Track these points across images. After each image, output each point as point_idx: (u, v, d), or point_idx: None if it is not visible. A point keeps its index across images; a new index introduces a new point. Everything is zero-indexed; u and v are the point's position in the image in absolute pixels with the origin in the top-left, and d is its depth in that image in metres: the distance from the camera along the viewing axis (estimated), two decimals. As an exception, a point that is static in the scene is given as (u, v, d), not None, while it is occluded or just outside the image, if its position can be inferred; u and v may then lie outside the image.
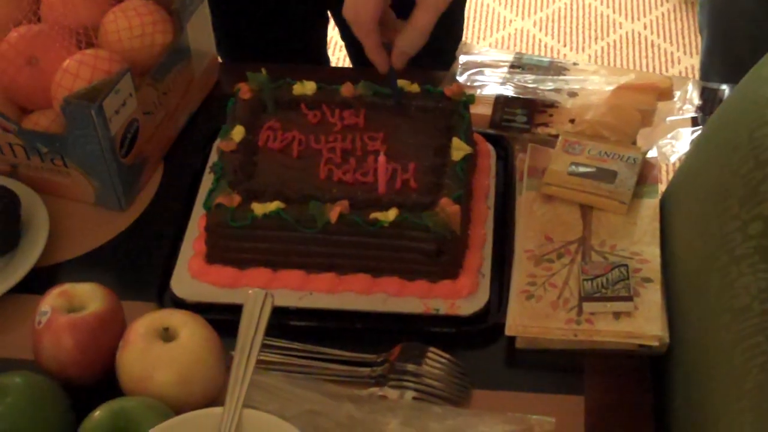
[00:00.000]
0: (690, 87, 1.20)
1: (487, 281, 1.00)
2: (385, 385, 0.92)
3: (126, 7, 1.13)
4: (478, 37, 2.80)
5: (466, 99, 1.07)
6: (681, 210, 1.01)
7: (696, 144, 1.05)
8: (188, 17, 1.15)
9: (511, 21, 2.86)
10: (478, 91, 1.19)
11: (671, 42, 2.78)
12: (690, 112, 1.18)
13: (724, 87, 1.21)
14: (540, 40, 2.80)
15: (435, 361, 0.93)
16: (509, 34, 2.82)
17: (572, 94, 1.18)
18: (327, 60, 1.65)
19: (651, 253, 1.00)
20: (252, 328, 0.83)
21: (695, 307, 0.92)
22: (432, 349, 0.94)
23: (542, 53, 2.74)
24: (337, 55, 2.40)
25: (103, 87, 1.02)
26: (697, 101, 1.19)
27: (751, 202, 0.88)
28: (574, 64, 1.24)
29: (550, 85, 1.20)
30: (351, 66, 1.61)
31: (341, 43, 1.59)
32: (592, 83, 1.20)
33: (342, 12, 1.06)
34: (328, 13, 1.53)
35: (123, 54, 1.10)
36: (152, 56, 1.12)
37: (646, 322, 0.94)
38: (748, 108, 0.91)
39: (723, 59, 1.62)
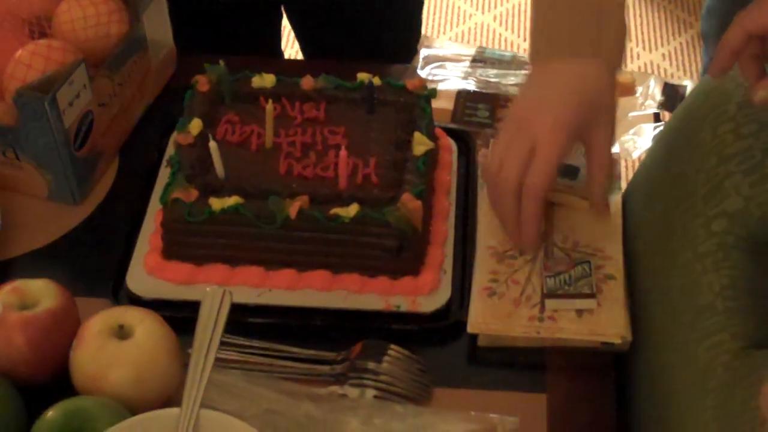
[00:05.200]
0: (652, 83, 1.20)
1: (449, 278, 0.98)
2: (346, 384, 0.91)
3: (81, -4, 1.11)
4: (438, 32, 2.78)
5: (428, 93, 1.06)
6: (643, 206, 1.00)
7: (658, 140, 1.04)
8: (145, 7, 1.13)
9: (471, 15, 2.85)
10: (440, 85, 1.19)
11: (630, 37, 2.78)
12: (652, 107, 1.18)
13: (686, 83, 1.21)
14: (500, 35, 2.79)
15: (396, 359, 0.92)
16: (469, 29, 2.81)
17: (534, 88, 1.18)
18: (281, 53, 1.63)
19: (613, 249, 0.99)
20: (210, 326, 0.81)
21: (659, 304, 0.92)
22: (393, 346, 0.92)
23: (502, 48, 2.73)
24: (289, 51, 2.38)
25: (57, 78, 1.00)
26: (659, 97, 1.19)
27: (715, 199, 0.88)
28: (537, 58, 1.23)
29: (512, 80, 1.19)
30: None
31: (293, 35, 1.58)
32: (554, 78, 1.19)
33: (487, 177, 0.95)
34: (282, 8, 1.51)
35: (77, 44, 1.08)
36: (107, 47, 1.09)
37: (608, 320, 0.93)
38: (711, 104, 0.91)
39: None
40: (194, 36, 1.45)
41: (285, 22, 1.54)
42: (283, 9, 1.50)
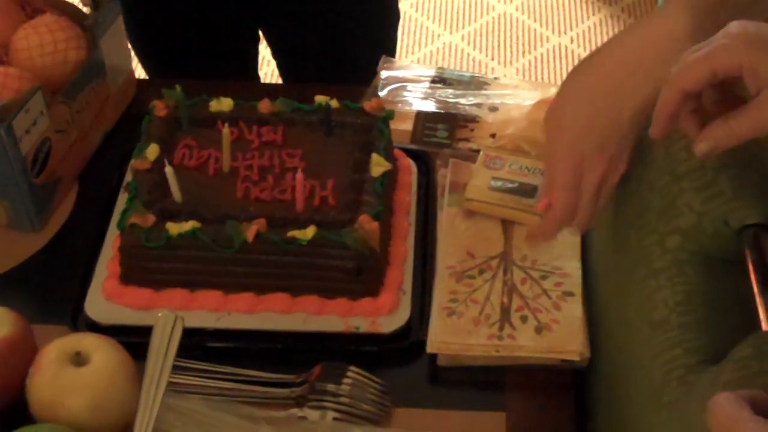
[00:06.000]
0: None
1: (409, 298, 0.99)
2: (305, 406, 0.91)
3: (37, 23, 1.11)
4: (406, 52, 2.79)
5: (386, 115, 1.06)
6: (601, 224, 1.01)
7: (615, 158, 1.05)
8: (102, 33, 1.13)
9: (438, 35, 2.87)
10: (399, 106, 1.19)
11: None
12: (609, 125, 1.18)
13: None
14: (468, 54, 2.81)
15: (355, 381, 0.92)
16: (437, 49, 2.82)
17: (493, 108, 1.18)
18: (257, 77, 1.64)
19: (572, 267, 1.00)
20: (162, 352, 0.81)
21: (616, 320, 0.92)
22: (352, 368, 0.92)
23: (470, 67, 2.75)
24: (265, 69, 2.39)
25: (13, 106, 0.99)
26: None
27: (668, 216, 0.88)
28: (495, 78, 1.24)
29: (471, 100, 1.20)
30: (282, 82, 1.60)
31: (269, 58, 1.59)
32: (512, 98, 1.20)
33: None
34: (259, 32, 1.52)
35: (34, 71, 1.08)
36: (65, 73, 1.09)
37: (567, 337, 0.93)
38: (663, 122, 0.91)
39: None
40: (170, 63, 1.46)
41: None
42: (260, 32, 1.51)
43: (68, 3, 1.16)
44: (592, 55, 0.91)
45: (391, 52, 1.52)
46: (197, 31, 1.43)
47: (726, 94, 0.76)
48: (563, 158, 0.90)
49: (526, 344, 0.94)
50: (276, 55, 1.54)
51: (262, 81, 1.83)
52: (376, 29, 1.48)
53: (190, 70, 1.43)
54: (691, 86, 0.75)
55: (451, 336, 0.95)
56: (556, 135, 0.92)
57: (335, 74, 1.44)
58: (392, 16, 1.51)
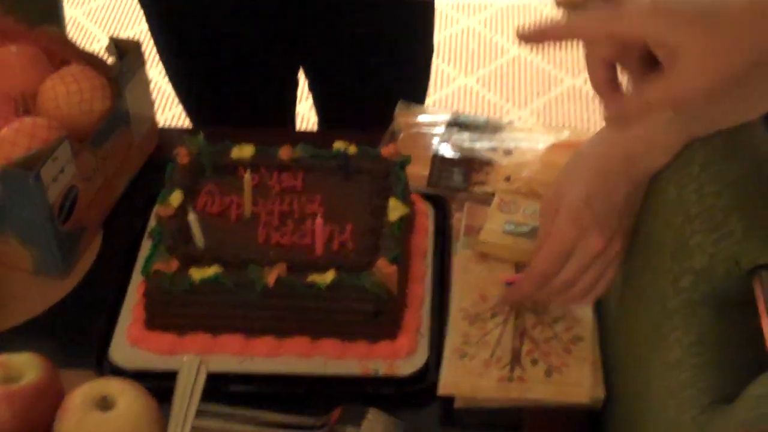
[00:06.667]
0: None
1: (426, 341, 1.00)
2: (326, 448, 0.92)
3: (64, 73, 1.14)
4: (422, 95, 2.82)
5: (403, 160, 1.08)
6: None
7: (628, 200, 1.06)
8: (126, 83, 1.16)
9: (454, 78, 2.89)
10: (416, 150, 1.20)
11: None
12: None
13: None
14: (483, 97, 2.83)
15: (375, 423, 0.93)
16: (452, 92, 2.85)
17: (507, 152, 1.20)
18: (294, 122, 1.67)
19: (583, 311, 1.01)
20: (186, 396, 0.83)
21: (631, 361, 0.94)
22: (372, 410, 0.93)
23: (485, 110, 2.77)
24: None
25: (41, 155, 1.02)
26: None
27: (682, 256, 0.90)
28: (510, 122, 1.26)
29: (486, 144, 1.22)
30: (318, 123, 1.64)
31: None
32: (527, 141, 1.22)
33: None
34: (299, 74, 1.55)
35: (61, 121, 1.10)
36: (91, 122, 1.12)
37: (576, 380, 0.95)
38: (675, 165, 0.93)
39: None
40: (208, 108, 1.49)
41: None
42: (302, 71, 1.55)
43: (93, 53, 1.19)
44: (594, 138, 0.98)
45: (425, 86, 1.56)
46: (240, 79, 1.47)
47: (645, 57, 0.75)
48: (563, 229, 0.95)
49: (536, 386, 0.95)
50: (315, 92, 1.57)
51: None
52: (413, 64, 1.53)
53: (232, 117, 1.46)
54: (584, 38, 0.75)
55: (462, 378, 0.96)
56: (555, 209, 0.96)
57: (373, 108, 1.47)
58: (428, 51, 1.55)
